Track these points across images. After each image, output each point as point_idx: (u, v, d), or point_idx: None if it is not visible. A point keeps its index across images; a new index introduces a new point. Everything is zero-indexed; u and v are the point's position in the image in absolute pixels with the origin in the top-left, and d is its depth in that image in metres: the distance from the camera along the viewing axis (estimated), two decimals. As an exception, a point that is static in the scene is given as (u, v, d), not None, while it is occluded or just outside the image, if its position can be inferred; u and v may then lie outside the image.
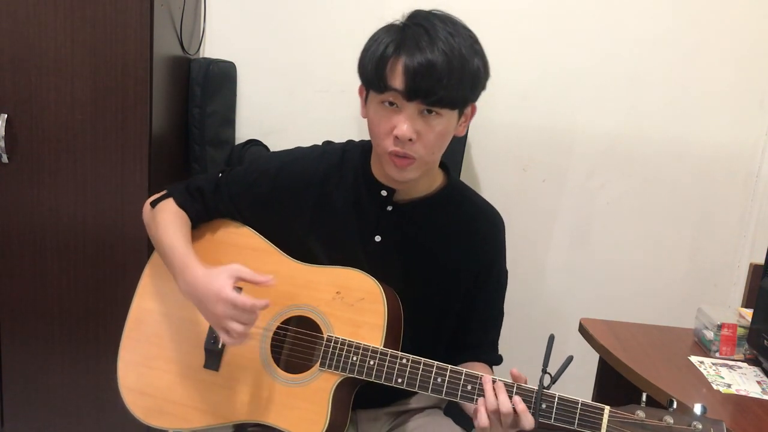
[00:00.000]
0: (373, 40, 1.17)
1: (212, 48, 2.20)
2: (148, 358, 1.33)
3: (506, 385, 1.09)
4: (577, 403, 1.06)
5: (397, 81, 1.12)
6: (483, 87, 1.20)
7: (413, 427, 1.35)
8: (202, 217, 1.37)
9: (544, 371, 1.08)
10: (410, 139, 1.14)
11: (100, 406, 1.91)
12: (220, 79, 2.11)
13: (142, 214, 1.42)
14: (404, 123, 1.13)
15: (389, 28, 1.17)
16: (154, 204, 1.37)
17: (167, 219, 1.33)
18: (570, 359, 1.09)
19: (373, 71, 1.14)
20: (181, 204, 1.35)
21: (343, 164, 1.30)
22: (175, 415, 1.28)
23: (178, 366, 1.30)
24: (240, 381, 1.26)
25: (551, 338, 1.11)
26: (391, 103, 1.15)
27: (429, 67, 1.10)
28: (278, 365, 1.25)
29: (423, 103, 1.12)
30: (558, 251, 2.35)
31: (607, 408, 1.04)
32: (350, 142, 1.35)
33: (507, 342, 1.37)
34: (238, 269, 1.18)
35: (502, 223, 1.34)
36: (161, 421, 1.29)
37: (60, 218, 1.81)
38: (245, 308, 1.14)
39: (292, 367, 1.25)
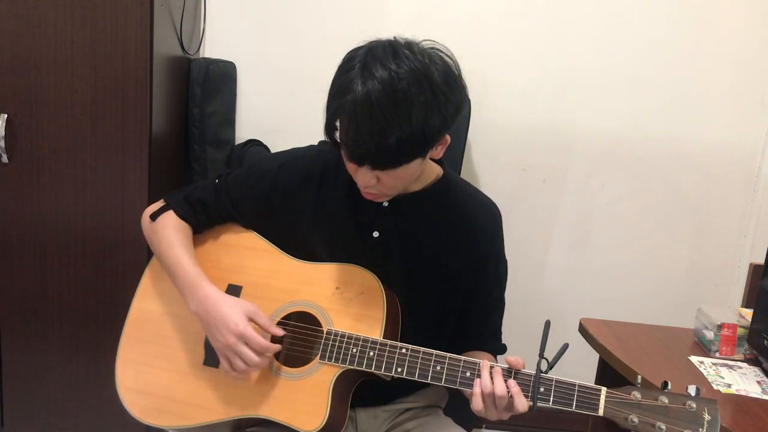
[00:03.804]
0: (333, 82, 1.12)
1: (212, 48, 2.21)
2: (147, 357, 1.33)
3: (504, 370, 1.11)
4: (574, 385, 1.08)
5: (345, 147, 1.10)
6: (443, 126, 1.10)
7: (412, 426, 1.35)
8: (204, 226, 1.38)
9: (541, 356, 1.10)
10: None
11: (100, 406, 1.91)
12: (220, 79, 2.11)
13: (141, 218, 1.41)
14: (362, 176, 1.14)
15: (347, 70, 1.09)
16: (153, 217, 1.36)
17: (170, 234, 1.33)
18: (566, 346, 1.12)
19: (325, 129, 1.12)
20: (182, 216, 1.35)
21: (339, 162, 1.30)
22: (175, 413, 1.28)
23: (178, 364, 1.30)
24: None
25: (547, 324, 1.13)
26: None
27: (366, 135, 1.05)
28: (279, 360, 1.25)
29: (372, 169, 1.11)
30: (558, 251, 2.35)
31: (603, 389, 1.06)
32: None
33: (506, 342, 1.37)
34: (255, 312, 1.21)
35: (499, 213, 1.34)
36: (160, 419, 1.29)
37: (60, 218, 1.81)
38: (259, 347, 1.18)
39: (293, 361, 1.25)
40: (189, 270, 1.27)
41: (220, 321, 1.19)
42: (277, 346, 1.21)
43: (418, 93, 1.05)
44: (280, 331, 1.23)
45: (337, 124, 1.10)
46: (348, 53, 1.13)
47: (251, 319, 1.21)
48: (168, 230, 1.33)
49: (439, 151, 1.19)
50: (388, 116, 1.04)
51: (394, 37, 1.12)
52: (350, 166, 1.15)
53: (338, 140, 1.11)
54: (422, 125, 1.06)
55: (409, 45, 1.10)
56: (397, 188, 1.20)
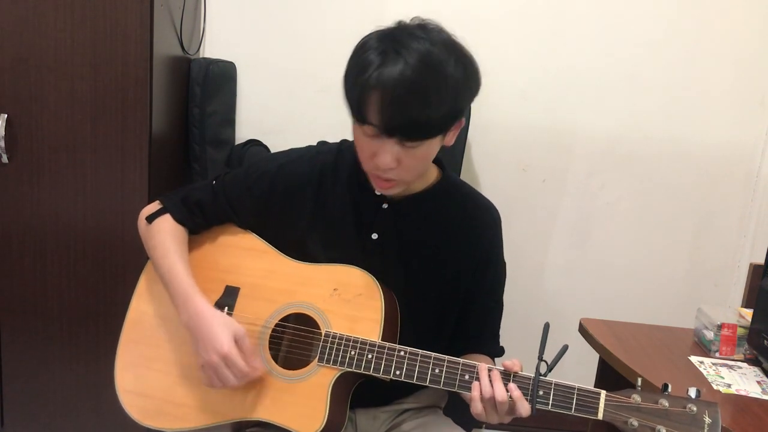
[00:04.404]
0: (353, 63, 1.13)
1: (212, 48, 2.20)
2: (146, 360, 1.32)
3: (503, 373, 1.11)
4: (574, 388, 1.07)
5: (375, 117, 1.09)
6: (468, 102, 1.17)
7: (412, 426, 1.35)
8: (201, 229, 1.37)
9: (540, 359, 1.09)
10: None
11: (100, 406, 1.91)
12: (220, 79, 2.11)
13: (138, 220, 1.40)
14: (385, 154, 1.13)
15: (368, 49, 1.11)
16: (150, 219, 1.35)
17: (166, 240, 1.31)
18: (565, 348, 1.11)
19: (351, 102, 1.12)
20: (179, 220, 1.34)
21: (337, 163, 1.30)
22: (174, 416, 1.28)
23: (176, 366, 1.30)
24: None
25: (546, 326, 1.13)
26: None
27: (405, 104, 1.06)
28: (277, 362, 1.25)
29: (401, 139, 1.11)
30: (558, 251, 2.35)
31: (603, 392, 1.06)
32: (345, 142, 1.35)
33: (506, 342, 1.37)
34: (242, 336, 1.20)
35: (498, 215, 1.34)
36: (159, 421, 1.29)
37: (60, 218, 1.81)
38: (239, 373, 1.18)
39: (291, 363, 1.25)
40: (182, 281, 1.26)
41: (207, 339, 1.19)
42: (258, 371, 1.21)
43: (454, 63, 1.10)
44: (258, 365, 1.21)
45: (365, 102, 1.09)
46: (360, 40, 1.15)
47: (237, 342, 1.19)
48: (163, 236, 1.32)
49: (451, 137, 1.20)
50: (425, 86, 1.07)
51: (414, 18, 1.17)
52: (371, 147, 1.14)
53: (366, 118, 1.10)
54: (455, 95, 1.10)
55: (431, 22, 1.16)
56: (416, 171, 1.19)
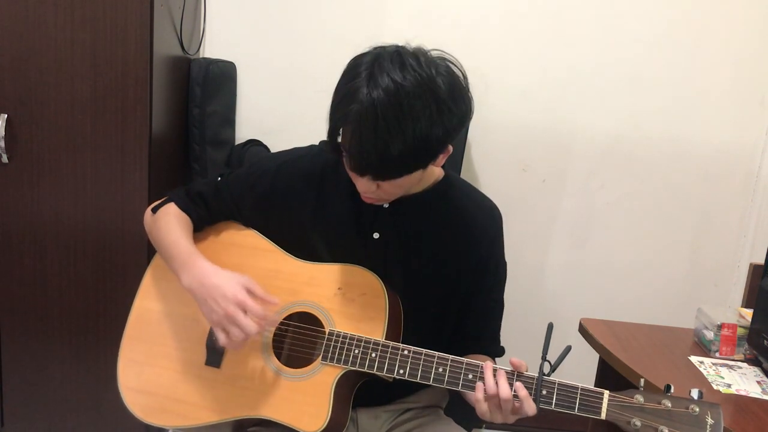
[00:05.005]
0: (336, 93, 1.12)
1: (212, 48, 2.20)
2: (149, 357, 1.33)
3: (507, 372, 1.11)
4: (577, 388, 1.08)
5: (348, 155, 1.10)
6: (449, 136, 1.10)
7: (413, 426, 1.35)
8: (204, 221, 1.38)
9: (544, 359, 1.09)
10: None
11: (100, 405, 1.91)
12: (220, 79, 2.11)
13: (142, 215, 1.42)
14: (361, 183, 1.15)
15: (352, 78, 1.08)
16: (155, 210, 1.38)
17: (170, 221, 1.33)
18: (569, 348, 1.11)
19: (328, 135, 1.12)
20: (183, 208, 1.36)
21: (340, 162, 1.30)
22: (176, 413, 1.28)
23: (179, 364, 1.30)
24: (242, 377, 1.26)
25: (550, 326, 1.13)
26: None
27: (369, 151, 1.05)
28: (280, 361, 1.25)
29: (373, 179, 1.11)
30: (558, 251, 2.35)
31: (606, 392, 1.06)
32: None
33: (506, 342, 1.37)
34: (250, 282, 1.20)
35: (500, 215, 1.34)
36: (161, 419, 1.29)
37: (60, 218, 1.81)
38: (257, 316, 1.17)
39: (294, 362, 1.25)
40: (184, 249, 1.27)
41: (217, 291, 1.18)
42: (275, 317, 1.21)
43: (423, 106, 1.05)
44: (275, 300, 1.22)
45: (340, 131, 1.10)
46: (353, 59, 1.12)
47: (250, 291, 1.20)
48: (169, 218, 1.35)
49: (440, 161, 1.18)
50: (391, 128, 1.04)
51: (403, 45, 1.11)
52: (351, 173, 1.15)
53: (341, 146, 1.11)
54: (425, 138, 1.06)
55: (416, 55, 1.09)
56: (396, 194, 1.20)
